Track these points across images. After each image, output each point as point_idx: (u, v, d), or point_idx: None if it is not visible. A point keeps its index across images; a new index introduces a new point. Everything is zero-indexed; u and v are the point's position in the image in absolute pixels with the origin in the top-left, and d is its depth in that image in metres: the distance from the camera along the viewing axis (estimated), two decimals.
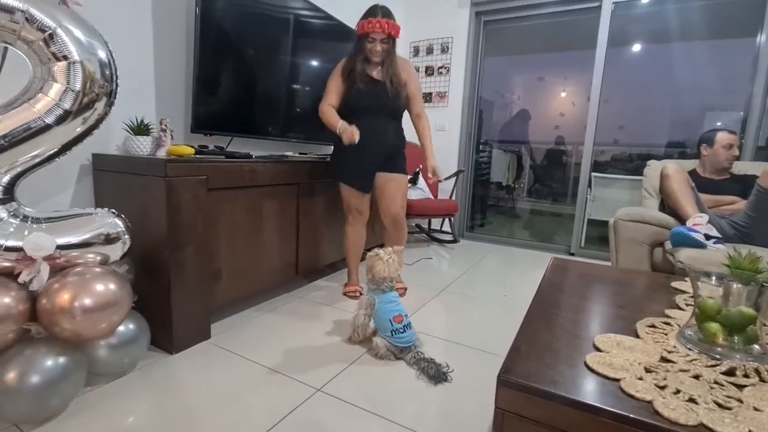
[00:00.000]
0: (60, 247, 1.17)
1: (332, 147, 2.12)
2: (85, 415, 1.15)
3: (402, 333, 1.51)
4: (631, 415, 0.55)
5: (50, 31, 1.12)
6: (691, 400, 0.58)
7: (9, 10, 1.07)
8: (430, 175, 2.04)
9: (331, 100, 1.96)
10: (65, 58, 1.15)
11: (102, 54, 1.23)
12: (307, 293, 2.19)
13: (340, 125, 1.86)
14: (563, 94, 6.33)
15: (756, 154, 2.82)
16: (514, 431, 0.64)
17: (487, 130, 5.10)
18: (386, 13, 1.86)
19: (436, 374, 1.40)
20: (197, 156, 1.64)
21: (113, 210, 1.35)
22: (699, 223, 1.77)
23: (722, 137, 2.15)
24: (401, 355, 1.52)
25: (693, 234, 1.71)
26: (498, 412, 0.65)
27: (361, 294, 2.06)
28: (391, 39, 1.89)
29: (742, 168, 2.24)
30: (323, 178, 2.19)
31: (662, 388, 0.61)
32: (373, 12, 1.86)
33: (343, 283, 2.29)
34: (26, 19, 1.09)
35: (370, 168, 2.00)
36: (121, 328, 1.30)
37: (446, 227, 3.82)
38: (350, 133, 1.80)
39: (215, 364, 1.46)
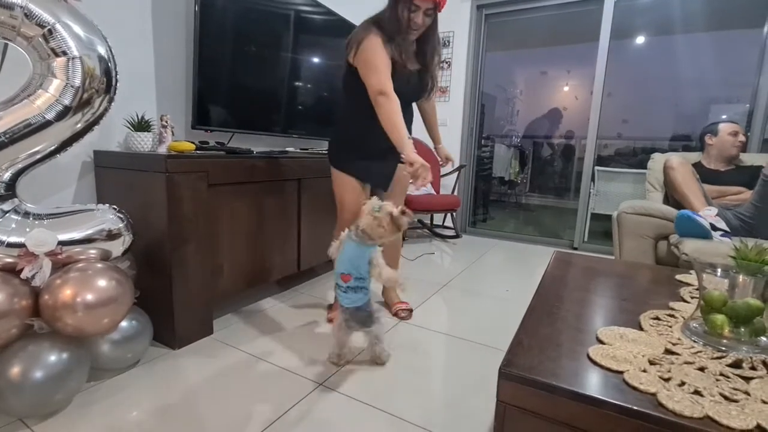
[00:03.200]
0: (62, 243, 1.17)
1: (339, 125, 1.71)
2: (88, 410, 1.16)
3: (344, 292, 1.35)
4: (635, 408, 0.54)
5: (49, 27, 1.12)
6: (697, 392, 0.57)
7: (8, 6, 1.06)
8: (442, 162, 1.88)
9: (391, 82, 1.43)
10: (64, 53, 1.15)
11: (102, 50, 1.23)
12: (309, 289, 2.19)
13: (409, 151, 1.36)
14: (566, 88, 6.29)
15: (762, 146, 2.78)
16: (516, 424, 0.64)
17: (489, 125, 5.07)
18: None
19: (364, 319, 1.35)
20: (198, 152, 1.64)
21: (115, 206, 1.35)
22: (707, 216, 1.75)
23: (725, 126, 2.14)
24: (354, 323, 1.37)
25: (699, 219, 1.68)
26: (500, 405, 0.64)
27: None
28: (436, 11, 1.49)
29: (748, 159, 2.21)
30: (325, 174, 2.18)
31: (666, 380, 0.60)
32: None
33: (328, 304, 1.95)
34: (25, 14, 1.09)
35: (390, 164, 1.63)
36: (123, 323, 1.30)
37: (448, 222, 3.80)
38: (425, 173, 1.35)
39: (218, 359, 1.46)
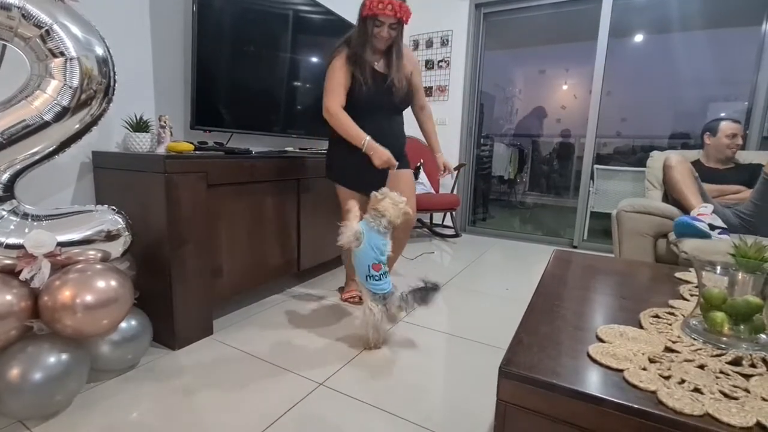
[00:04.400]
0: (61, 244, 1.17)
1: (328, 143, 1.88)
2: (89, 411, 1.16)
3: (377, 281, 1.48)
4: (635, 405, 0.54)
5: (47, 28, 1.11)
6: (697, 389, 0.57)
7: (5, 7, 1.06)
8: (441, 170, 1.92)
9: (341, 98, 1.66)
10: (62, 54, 1.14)
11: (99, 50, 1.22)
12: (309, 289, 2.19)
13: (366, 143, 1.62)
14: (565, 87, 6.29)
15: (761, 143, 2.79)
16: (517, 423, 0.64)
17: (488, 124, 5.07)
18: None
19: (425, 296, 1.46)
20: (197, 152, 1.64)
21: (113, 207, 1.35)
22: (704, 213, 1.76)
23: (726, 126, 2.13)
24: (381, 302, 1.49)
25: (697, 223, 1.69)
26: (500, 403, 0.64)
27: (361, 299, 1.71)
28: (400, 24, 1.63)
29: (747, 157, 2.22)
30: (324, 174, 2.19)
31: (666, 378, 0.60)
32: None
33: (339, 287, 2.18)
34: (23, 15, 1.09)
35: (377, 171, 1.73)
36: (123, 324, 1.30)
37: (448, 222, 3.80)
38: (387, 157, 1.61)
39: (218, 359, 1.46)
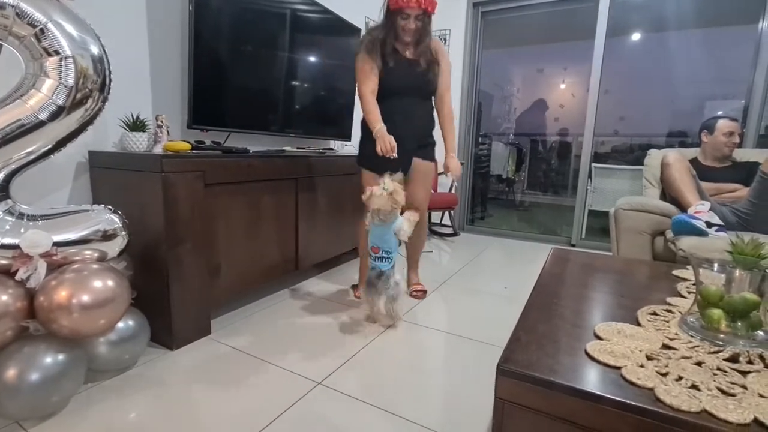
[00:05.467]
0: (57, 244, 1.17)
1: (360, 132, 1.92)
2: (86, 412, 1.15)
3: (374, 261, 1.71)
4: (633, 403, 0.54)
5: (41, 26, 1.11)
6: (694, 386, 0.57)
7: None
8: (448, 173, 1.90)
9: (372, 83, 1.73)
10: (57, 53, 1.14)
11: (95, 49, 1.22)
12: (307, 288, 2.19)
13: (377, 129, 1.69)
14: (563, 86, 6.29)
15: (758, 141, 2.80)
16: (515, 421, 0.63)
17: (486, 123, 5.07)
18: None
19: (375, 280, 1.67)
20: (194, 152, 1.63)
21: (110, 206, 1.35)
22: (700, 211, 1.76)
23: (723, 124, 2.13)
24: (377, 281, 1.68)
25: (694, 221, 1.70)
26: (498, 401, 0.64)
27: None
28: (427, 15, 1.67)
29: (744, 155, 2.22)
30: (322, 173, 2.18)
31: (664, 375, 0.60)
32: None
33: (353, 284, 2.20)
34: (17, 14, 1.08)
35: (402, 152, 1.75)
36: (120, 324, 1.29)
37: (446, 221, 3.81)
38: (387, 144, 1.66)
39: (216, 359, 1.45)
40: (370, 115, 1.72)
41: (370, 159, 1.81)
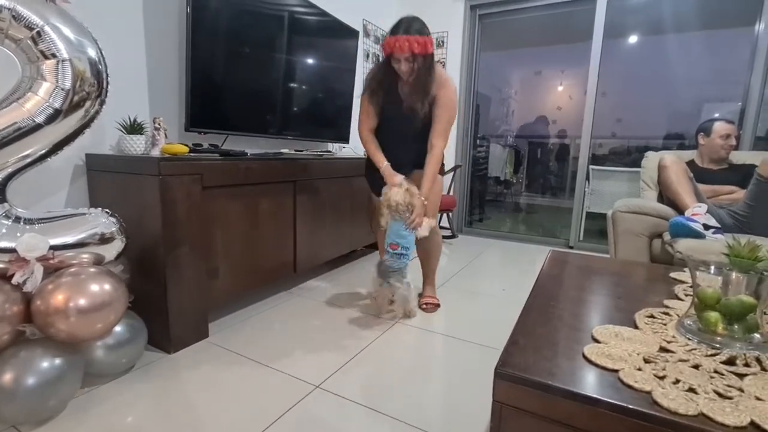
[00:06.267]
0: (54, 248, 1.16)
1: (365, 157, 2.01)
2: (83, 416, 1.15)
3: (391, 258, 1.74)
4: (630, 406, 0.54)
5: (38, 29, 1.11)
6: (691, 389, 0.57)
7: None
8: (411, 222, 1.74)
9: (369, 123, 1.86)
10: (54, 56, 1.13)
11: (92, 52, 1.22)
12: (305, 291, 2.19)
13: (383, 168, 1.80)
14: (560, 88, 6.32)
15: (754, 144, 2.81)
16: (513, 424, 0.63)
17: (484, 125, 5.08)
18: (410, 28, 1.62)
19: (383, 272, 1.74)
20: (191, 154, 1.63)
21: (107, 210, 1.34)
22: (698, 213, 1.76)
23: (720, 127, 2.14)
24: (387, 277, 1.76)
25: (691, 224, 1.70)
26: (496, 405, 0.64)
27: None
28: (418, 57, 1.65)
29: (740, 158, 2.23)
30: (320, 176, 2.18)
31: (661, 378, 0.60)
32: (396, 27, 1.66)
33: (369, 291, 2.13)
34: (13, 17, 1.08)
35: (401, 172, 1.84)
36: (117, 328, 1.29)
37: (444, 223, 3.81)
38: (396, 184, 1.74)
39: (214, 362, 1.45)
40: (373, 157, 1.85)
41: (377, 186, 1.89)
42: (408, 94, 1.75)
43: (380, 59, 1.81)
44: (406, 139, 1.85)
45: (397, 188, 1.70)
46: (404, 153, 1.86)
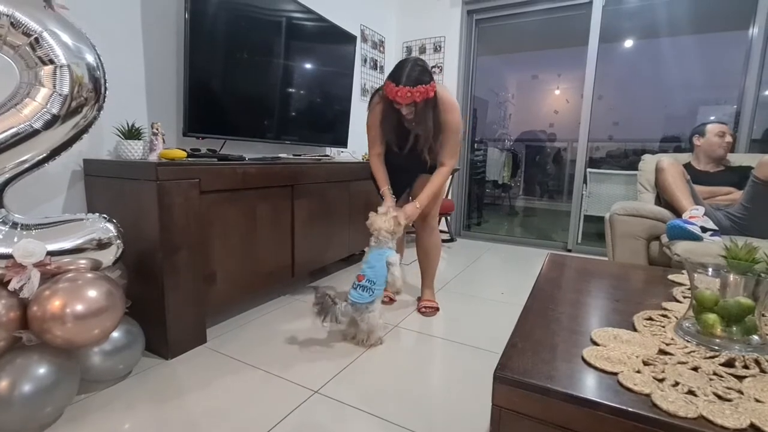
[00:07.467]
0: (51, 254, 1.16)
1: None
2: (80, 423, 1.14)
3: (353, 289, 1.59)
4: (630, 409, 0.54)
5: (36, 35, 1.11)
6: (690, 392, 0.57)
7: None
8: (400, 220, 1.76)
9: (377, 149, 1.88)
10: (52, 62, 1.14)
11: (90, 58, 1.22)
12: (303, 296, 2.18)
13: (383, 191, 1.86)
14: (557, 92, 6.35)
15: (750, 146, 2.82)
16: (512, 428, 0.63)
17: (481, 129, 5.10)
18: (410, 78, 1.56)
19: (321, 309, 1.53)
20: (189, 159, 1.63)
21: (105, 215, 1.34)
22: (695, 216, 1.77)
23: (713, 126, 2.17)
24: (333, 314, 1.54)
25: (689, 226, 1.71)
26: (495, 409, 0.64)
27: (391, 300, 2.13)
28: (419, 103, 1.62)
29: (737, 159, 2.24)
30: (318, 180, 2.19)
31: (660, 380, 0.60)
32: (397, 75, 1.58)
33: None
34: (11, 23, 1.08)
35: (404, 179, 1.97)
36: (114, 334, 1.28)
37: (442, 227, 3.81)
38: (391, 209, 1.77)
39: (212, 368, 1.44)
40: (378, 181, 1.89)
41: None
42: (413, 126, 1.73)
43: (381, 93, 1.73)
44: (410, 168, 1.92)
45: (384, 216, 1.70)
46: (408, 179, 1.96)
